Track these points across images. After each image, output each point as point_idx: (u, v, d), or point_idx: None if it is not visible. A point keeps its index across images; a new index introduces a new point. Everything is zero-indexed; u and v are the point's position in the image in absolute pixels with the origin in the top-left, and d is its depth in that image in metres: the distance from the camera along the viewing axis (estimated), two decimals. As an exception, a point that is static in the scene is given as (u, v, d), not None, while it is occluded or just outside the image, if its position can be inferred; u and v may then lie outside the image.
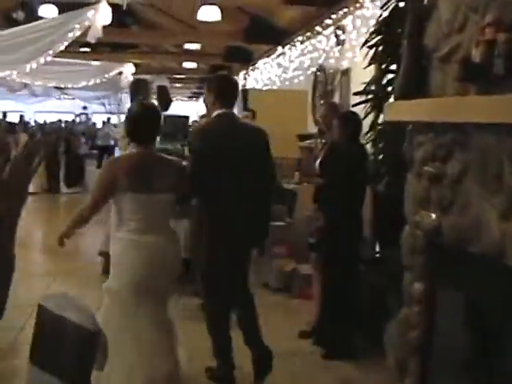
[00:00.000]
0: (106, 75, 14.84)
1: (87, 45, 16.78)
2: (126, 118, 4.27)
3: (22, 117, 21.41)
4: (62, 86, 16.63)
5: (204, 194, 4.45)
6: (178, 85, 23.44)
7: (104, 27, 8.77)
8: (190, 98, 30.28)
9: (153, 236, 3.99)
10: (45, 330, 2.84)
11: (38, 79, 13.62)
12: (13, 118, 21.65)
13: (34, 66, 9.37)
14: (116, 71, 14.97)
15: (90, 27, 8.31)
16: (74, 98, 23.54)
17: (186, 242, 6.28)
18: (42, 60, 9.16)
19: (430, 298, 3.83)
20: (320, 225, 5.52)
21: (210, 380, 4.74)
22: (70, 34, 8.56)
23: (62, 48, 8.83)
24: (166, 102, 8.66)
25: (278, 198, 8.07)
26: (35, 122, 23.49)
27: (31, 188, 16.61)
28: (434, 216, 3.70)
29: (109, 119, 23.20)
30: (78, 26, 8.42)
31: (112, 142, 19.11)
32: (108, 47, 15.36)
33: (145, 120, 4.09)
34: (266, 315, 6.58)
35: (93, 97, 23.62)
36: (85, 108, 28.72)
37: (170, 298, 4.33)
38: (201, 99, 27.28)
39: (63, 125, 21.99)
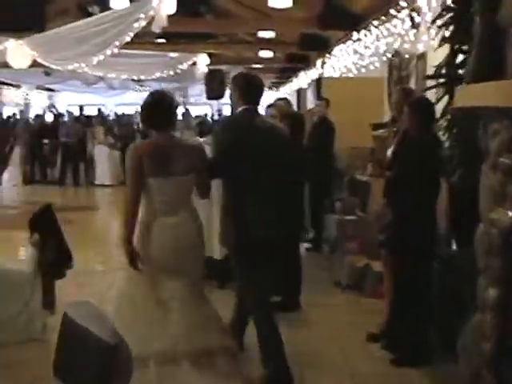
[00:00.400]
0: (180, 66, 14.71)
1: (162, 36, 16.86)
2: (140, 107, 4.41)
3: (99, 110, 21.54)
4: (135, 77, 16.58)
5: (225, 182, 4.60)
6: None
7: (176, 17, 8.63)
8: (269, 88, 29.94)
9: (175, 217, 4.17)
10: (67, 341, 2.63)
11: (112, 71, 13.58)
12: (91, 111, 21.86)
13: (102, 58, 9.27)
14: (190, 62, 14.81)
15: (154, 17, 8.10)
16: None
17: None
18: (108, 52, 9.03)
19: (506, 306, 3.40)
20: (389, 220, 5.12)
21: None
22: (136, 25, 8.40)
23: (128, 39, 8.67)
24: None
25: (350, 189, 7.73)
26: (115, 114, 23.69)
27: (108, 180, 16.88)
28: (510, 214, 3.27)
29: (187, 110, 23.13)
30: (143, 15, 8.25)
31: (191, 134, 19.00)
32: (183, 38, 15.25)
33: (155, 107, 4.23)
34: (334, 315, 6.26)
35: (170, 89, 23.72)
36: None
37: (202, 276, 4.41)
38: (281, 88, 26.96)
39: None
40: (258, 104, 4.70)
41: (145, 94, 4.66)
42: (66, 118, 18.73)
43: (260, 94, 4.69)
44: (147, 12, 8.23)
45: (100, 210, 14.03)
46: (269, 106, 7.26)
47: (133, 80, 19.00)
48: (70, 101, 26.90)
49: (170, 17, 14.66)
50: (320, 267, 8.05)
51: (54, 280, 5.64)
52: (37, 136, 17.79)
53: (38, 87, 24.18)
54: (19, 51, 11.40)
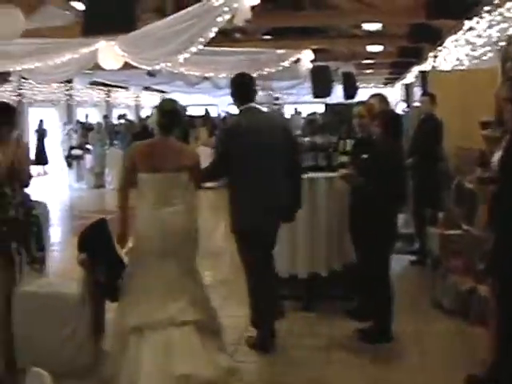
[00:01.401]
0: (282, 63, 13.96)
1: (269, 32, 16.24)
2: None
3: (206, 110, 21.15)
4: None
5: (229, 174, 5.22)
6: (367, 71, 22.14)
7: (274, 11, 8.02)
8: (385, 84, 28.79)
9: (164, 209, 4.71)
10: None
11: (210, 70, 13.03)
12: (198, 111, 21.49)
13: (187, 55, 8.69)
14: (292, 59, 14.04)
15: (237, 10, 7.43)
16: (262, 89, 23.06)
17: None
18: (193, 49, 8.45)
19: None
20: (489, 247, 4.19)
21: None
22: (220, 19, 7.73)
23: (213, 35, 8.02)
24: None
25: (456, 198, 6.75)
26: (227, 114, 23.26)
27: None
28: None
29: (296, 110, 22.49)
30: (226, 8, 7.57)
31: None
32: (287, 33, 14.58)
33: (162, 113, 4.83)
34: (430, 346, 5.44)
35: (283, 87, 23.10)
36: (277, 99, 28.27)
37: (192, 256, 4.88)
38: (396, 85, 25.75)
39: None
40: (252, 101, 5.30)
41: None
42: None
43: (252, 92, 5.34)
44: (231, 4, 7.56)
45: (208, 212, 13.40)
46: (357, 104, 6.45)
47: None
48: (183, 101, 26.87)
49: (269, 11, 14.14)
50: (421, 285, 7.17)
51: (103, 303, 5.05)
52: (139, 138, 17.59)
53: (146, 88, 24.17)
54: (110, 52, 11.05)
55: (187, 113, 19.83)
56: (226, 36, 15.60)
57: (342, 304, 6.37)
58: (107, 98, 25.56)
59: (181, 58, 8.83)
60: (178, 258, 4.74)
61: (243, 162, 5.11)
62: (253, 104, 5.31)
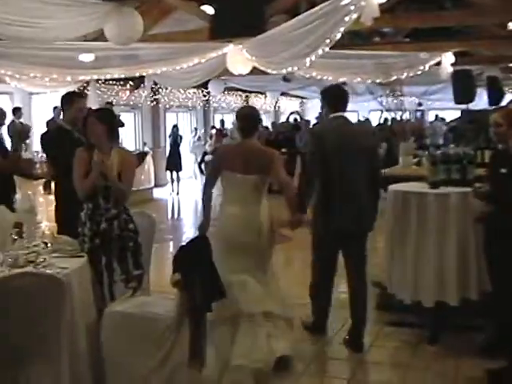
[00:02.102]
0: (421, 67, 13.13)
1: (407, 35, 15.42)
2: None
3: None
4: (377, 80, 15.21)
5: (318, 179, 5.40)
6: (517, 75, 20.64)
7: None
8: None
9: (238, 207, 5.08)
10: None
11: (345, 75, 12.40)
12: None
13: (313, 58, 8.17)
14: (432, 62, 13.18)
15: (365, 8, 6.84)
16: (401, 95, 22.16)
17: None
18: (319, 51, 7.91)
19: None
20: None
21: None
22: (346, 18, 7.17)
23: (339, 36, 7.46)
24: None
25: None
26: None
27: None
28: None
29: (436, 116, 21.41)
30: (353, 7, 7.00)
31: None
32: (426, 35, 13.72)
33: (241, 118, 5.36)
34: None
35: (425, 92, 22.16)
36: (420, 105, 27.15)
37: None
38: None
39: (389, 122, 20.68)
40: (344, 111, 5.54)
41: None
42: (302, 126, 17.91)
43: (346, 103, 5.59)
44: (358, 2, 6.97)
45: None
46: (494, 110, 5.71)
47: (380, 84, 17.72)
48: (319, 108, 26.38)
49: (406, 12, 13.36)
50: None
51: (202, 328, 4.59)
52: (273, 145, 17.27)
53: (284, 94, 23.84)
54: (239, 56, 10.72)
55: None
56: (363, 39, 15.01)
57: (472, 338, 5.61)
58: (245, 104, 25.49)
59: (307, 60, 8.31)
60: (253, 253, 5.13)
61: (328, 164, 5.34)
62: (342, 114, 5.55)
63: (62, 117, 6.59)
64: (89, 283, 4.70)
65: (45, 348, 3.87)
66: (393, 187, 6.02)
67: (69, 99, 6.15)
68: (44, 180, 12.44)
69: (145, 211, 5.67)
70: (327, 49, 7.79)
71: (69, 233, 5.04)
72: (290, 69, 9.03)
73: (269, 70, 9.84)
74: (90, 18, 7.59)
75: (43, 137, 6.22)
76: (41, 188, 12.35)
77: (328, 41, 7.62)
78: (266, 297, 5.06)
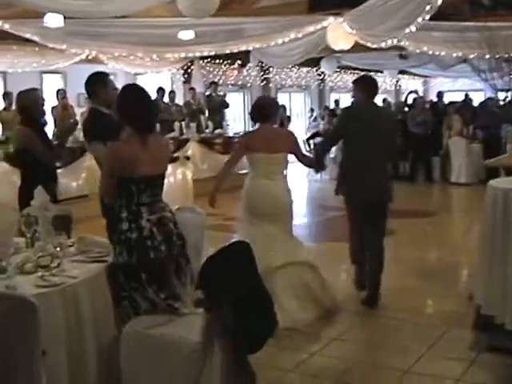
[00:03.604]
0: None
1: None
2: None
3: (466, 95, 18.67)
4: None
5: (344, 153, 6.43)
6: None
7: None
8: None
9: (267, 180, 5.80)
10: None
11: (455, 49, 11.13)
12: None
13: (413, 29, 7.08)
14: None
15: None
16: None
17: None
18: (419, 20, 6.82)
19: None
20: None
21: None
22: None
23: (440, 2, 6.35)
24: None
25: None
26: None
27: (464, 178, 14.44)
28: None
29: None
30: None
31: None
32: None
33: (259, 106, 6.07)
34: None
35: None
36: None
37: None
38: None
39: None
40: (374, 98, 6.11)
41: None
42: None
43: (377, 91, 6.13)
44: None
45: (441, 216, 11.36)
46: None
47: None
48: (444, 87, 24.71)
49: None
50: None
51: (241, 356, 3.73)
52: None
53: (402, 72, 22.42)
54: (339, 30, 9.73)
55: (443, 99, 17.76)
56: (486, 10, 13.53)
57: None
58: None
59: (407, 31, 7.24)
60: (280, 220, 5.86)
61: (358, 144, 5.91)
62: (372, 100, 6.11)
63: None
64: (108, 295, 3.97)
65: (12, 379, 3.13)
66: (492, 183, 4.91)
67: (102, 78, 5.51)
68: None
69: (193, 207, 4.86)
70: (427, 17, 6.67)
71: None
72: (389, 41, 7.97)
73: (369, 44, 8.82)
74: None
75: None
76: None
77: (428, 7, 6.51)
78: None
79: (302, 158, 6.10)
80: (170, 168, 12.07)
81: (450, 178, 15.06)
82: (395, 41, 7.90)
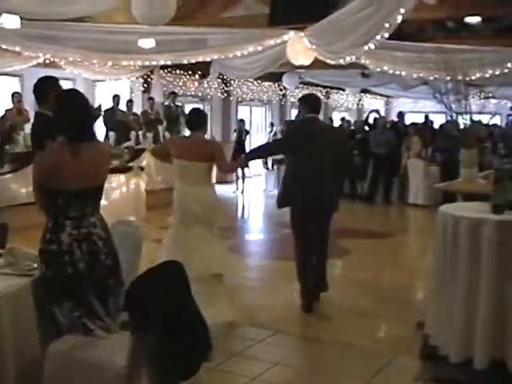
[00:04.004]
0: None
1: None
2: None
3: (426, 117, 18.69)
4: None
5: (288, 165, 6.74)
6: None
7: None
8: None
9: (191, 187, 5.99)
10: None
11: (418, 70, 11.03)
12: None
13: (372, 46, 6.94)
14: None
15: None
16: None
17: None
18: (378, 38, 6.68)
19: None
20: None
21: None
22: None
23: (399, 21, 6.21)
24: None
25: None
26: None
27: (422, 199, 14.32)
28: None
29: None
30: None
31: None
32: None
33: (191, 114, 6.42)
34: None
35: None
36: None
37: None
38: None
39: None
40: (318, 113, 6.54)
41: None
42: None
43: (320, 107, 6.59)
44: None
45: (396, 238, 11.20)
46: None
47: (470, 85, 15.99)
48: (405, 107, 24.78)
49: None
50: None
51: (170, 381, 3.48)
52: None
53: (365, 91, 22.38)
54: (299, 45, 9.58)
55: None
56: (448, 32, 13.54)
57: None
58: (326, 100, 24.18)
59: (365, 48, 7.10)
60: (201, 224, 5.99)
61: (299, 154, 6.26)
62: (316, 115, 6.49)
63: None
64: (33, 311, 3.70)
65: None
66: (443, 208, 4.75)
67: (52, 83, 5.30)
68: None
69: (130, 220, 4.63)
70: (386, 35, 6.54)
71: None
72: (348, 58, 7.82)
73: (328, 60, 8.66)
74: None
75: None
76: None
77: (388, 25, 6.38)
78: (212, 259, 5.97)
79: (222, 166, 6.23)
80: (122, 178, 12.07)
81: (407, 199, 15.02)
82: (353, 58, 7.74)
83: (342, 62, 7.94)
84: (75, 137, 3.75)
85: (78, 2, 7.51)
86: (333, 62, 8.52)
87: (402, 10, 6.08)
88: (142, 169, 12.03)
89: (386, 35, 6.58)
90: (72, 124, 3.76)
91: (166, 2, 6.81)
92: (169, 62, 11.67)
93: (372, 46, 6.97)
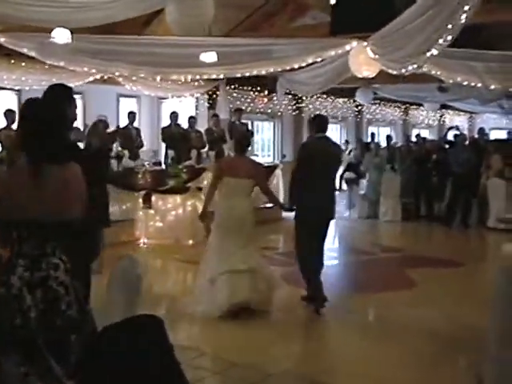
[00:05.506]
0: None
1: None
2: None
3: (509, 133, 17.53)
4: None
5: (301, 182, 7.12)
6: None
7: None
8: None
9: (233, 201, 6.85)
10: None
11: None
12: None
13: (435, 52, 6.11)
14: None
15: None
16: None
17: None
18: (441, 41, 5.85)
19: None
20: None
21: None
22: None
23: (463, 20, 5.38)
24: None
25: None
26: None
27: (504, 223, 13.16)
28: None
29: None
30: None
31: None
32: None
33: (238, 136, 7.61)
34: None
35: None
36: None
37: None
38: None
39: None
40: (325, 132, 7.32)
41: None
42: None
43: (327, 126, 7.35)
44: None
45: (466, 267, 10.10)
46: None
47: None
48: (490, 123, 23.53)
49: None
50: None
51: None
52: (418, 163, 14.95)
53: (445, 107, 21.19)
54: (361, 55, 8.80)
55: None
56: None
57: None
58: (405, 117, 23.17)
59: (427, 55, 6.26)
60: (240, 233, 6.87)
61: (310, 170, 6.93)
62: (324, 134, 7.22)
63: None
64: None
65: None
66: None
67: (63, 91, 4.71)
68: (144, 192, 11.21)
69: (132, 257, 3.96)
70: (450, 38, 5.70)
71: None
72: (410, 67, 6.98)
73: (389, 70, 7.85)
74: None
75: None
76: (140, 201, 11.10)
77: (450, 26, 5.54)
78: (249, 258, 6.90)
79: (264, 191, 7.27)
80: (179, 199, 11.53)
81: (486, 222, 13.89)
82: (415, 66, 6.88)
83: (403, 71, 7.13)
84: (36, 157, 3.10)
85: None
86: (395, 72, 7.70)
87: (466, 7, 5.23)
88: (200, 189, 11.49)
89: (449, 38, 5.74)
90: (29, 142, 3.13)
91: (202, 8, 6.15)
92: (226, 75, 11.06)
93: (435, 51, 6.14)
